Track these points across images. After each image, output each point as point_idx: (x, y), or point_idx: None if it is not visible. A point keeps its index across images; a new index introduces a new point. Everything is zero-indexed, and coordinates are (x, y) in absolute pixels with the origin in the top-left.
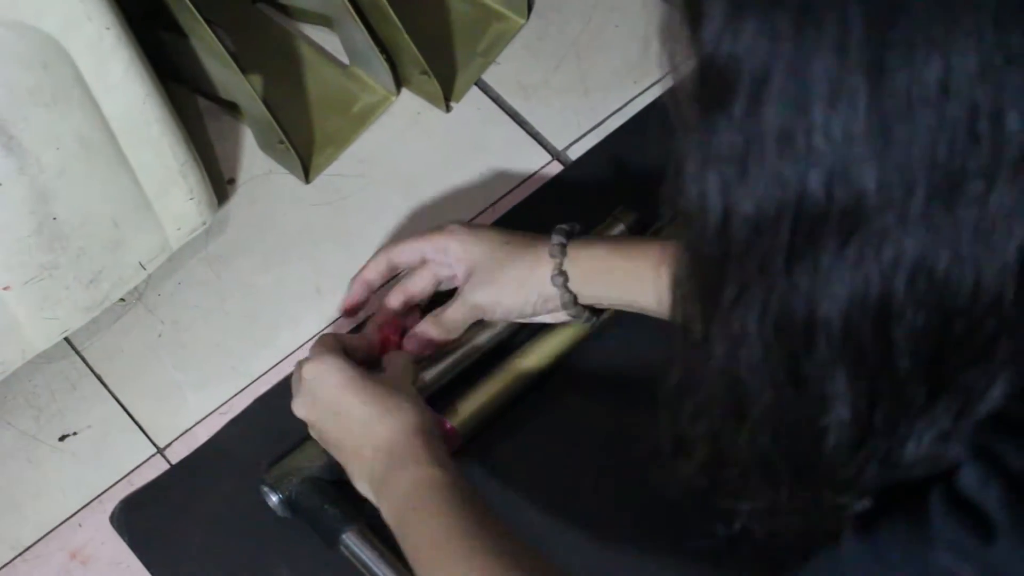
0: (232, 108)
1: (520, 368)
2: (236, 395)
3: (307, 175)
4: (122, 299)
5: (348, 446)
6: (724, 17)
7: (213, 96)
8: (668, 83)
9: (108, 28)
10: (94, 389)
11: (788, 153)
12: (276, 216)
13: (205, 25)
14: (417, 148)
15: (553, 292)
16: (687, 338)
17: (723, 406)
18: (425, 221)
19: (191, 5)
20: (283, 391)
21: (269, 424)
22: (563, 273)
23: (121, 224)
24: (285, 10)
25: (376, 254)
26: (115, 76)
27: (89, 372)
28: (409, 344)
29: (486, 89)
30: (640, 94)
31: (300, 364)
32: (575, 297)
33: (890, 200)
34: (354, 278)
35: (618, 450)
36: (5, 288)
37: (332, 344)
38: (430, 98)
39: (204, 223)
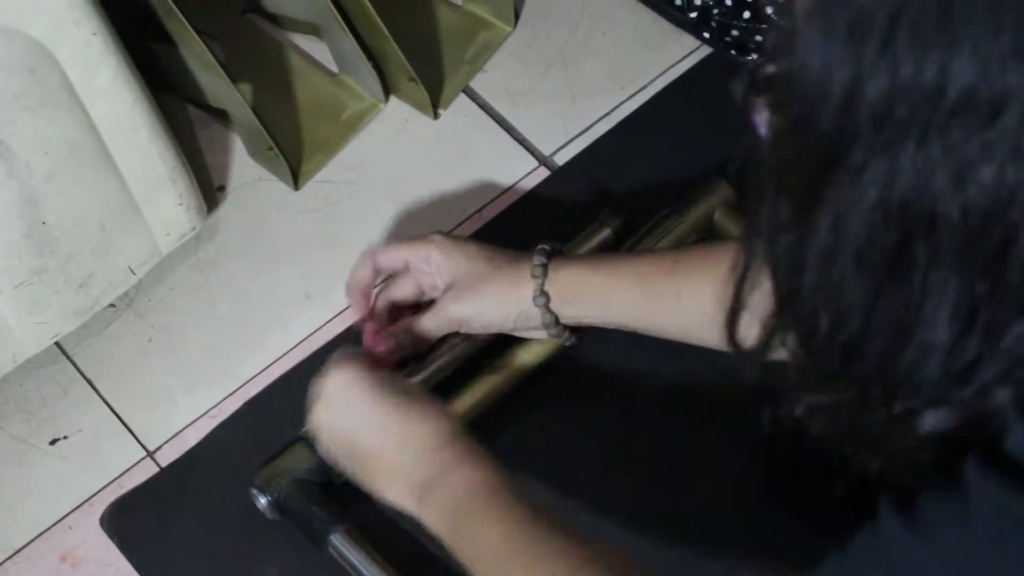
0: (222, 116)
1: (514, 365)
2: (226, 398)
3: (296, 182)
4: (112, 304)
5: (379, 455)
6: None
7: (203, 105)
8: None
9: (95, 34)
10: (85, 394)
11: (932, 37)
12: (266, 222)
13: (194, 34)
14: (405, 155)
15: (534, 312)
16: (773, 220)
17: (817, 289)
18: (414, 227)
19: (181, 15)
20: (272, 394)
21: (258, 427)
22: (544, 294)
23: (110, 229)
24: (274, 20)
25: (361, 257)
26: (103, 81)
27: (80, 377)
28: (379, 345)
29: (474, 96)
30: (627, 100)
31: (319, 378)
32: (556, 318)
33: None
34: (346, 283)
35: (623, 442)
36: None
37: (352, 354)
38: (418, 105)
39: (194, 229)
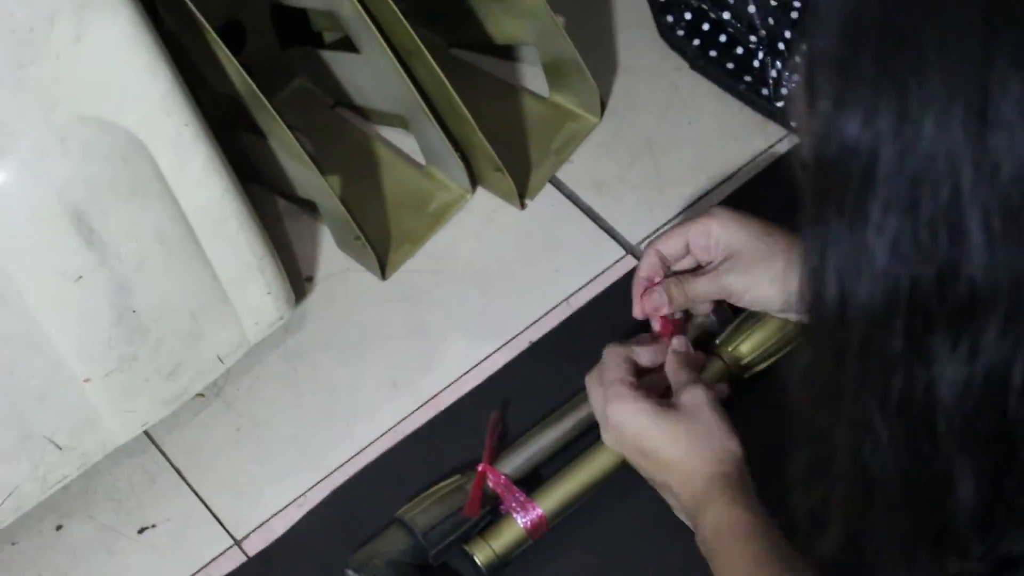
0: (311, 208)
1: (609, 454)
2: (313, 487)
3: (383, 272)
4: (201, 393)
5: (660, 483)
6: (829, 116)
7: (292, 196)
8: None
9: (186, 124)
10: (173, 482)
11: (897, 253)
12: (353, 312)
13: (284, 127)
14: (492, 244)
15: None
16: (815, 423)
17: (853, 487)
18: (501, 315)
19: (271, 108)
20: (359, 483)
21: (345, 516)
22: None
23: (199, 318)
24: (363, 113)
25: (645, 251)
26: (193, 171)
27: (168, 465)
28: (647, 301)
29: (560, 186)
30: (714, 188)
31: (594, 386)
32: None
33: (1000, 296)
34: (633, 282)
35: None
36: (86, 380)
37: (623, 373)
38: (504, 195)
39: (281, 318)
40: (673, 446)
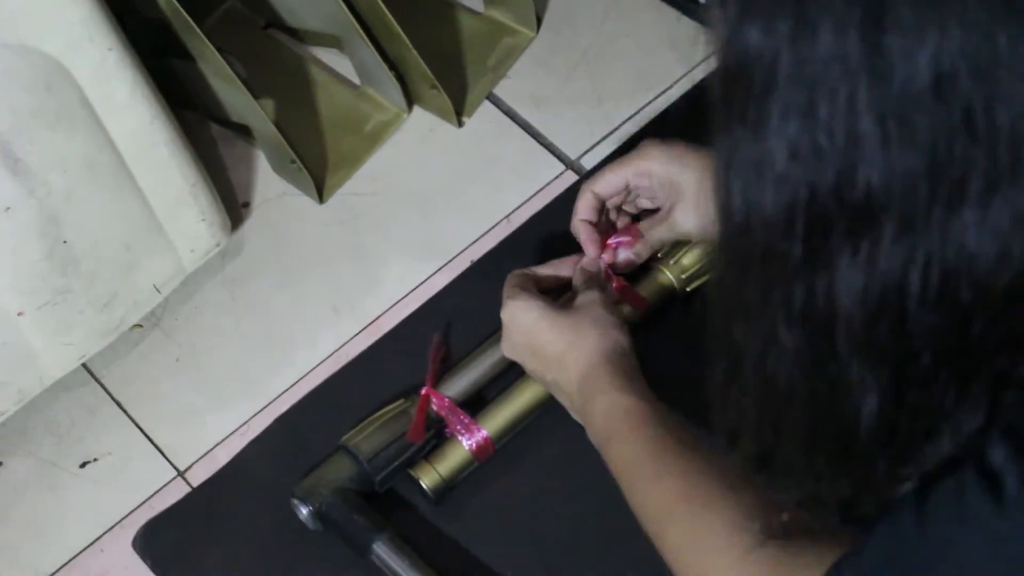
0: (245, 133)
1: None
2: (255, 415)
3: (321, 195)
4: (139, 324)
5: (549, 381)
6: (732, 22)
7: (226, 121)
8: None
9: (111, 49)
10: (113, 415)
11: (796, 157)
12: (291, 237)
13: (214, 50)
14: (431, 164)
15: None
16: (728, 336)
17: (763, 400)
18: (441, 236)
19: (200, 32)
20: (302, 410)
21: (289, 443)
22: None
23: (133, 247)
24: (295, 34)
25: (582, 190)
26: (120, 97)
27: (108, 398)
28: (606, 254)
29: (498, 103)
30: (653, 100)
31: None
32: None
33: (895, 201)
34: (572, 225)
35: None
36: (19, 314)
37: (521, 282)
38: (442, 114)
39: (218, 245)
40: (559, 339)
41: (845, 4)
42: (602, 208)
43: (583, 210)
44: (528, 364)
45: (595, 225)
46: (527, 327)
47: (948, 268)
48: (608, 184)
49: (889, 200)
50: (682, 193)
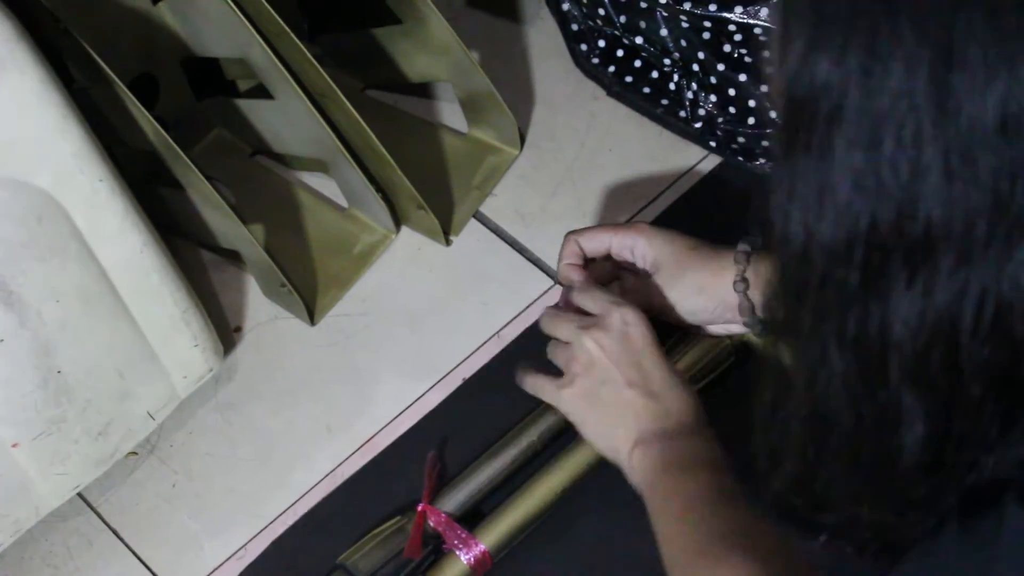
0: (235, 258)
1: (549, 486)
2: (252, 539)
3: (312, 317)
4: (134, 452)
5: (603, 397)
6: (801, 54)
7: (215, 247)
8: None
9: (101, 180)
10: (110, 544)
11: (860, 189)
12: (283, 360)
13: (203, 178)
14: (420, 282)
15: (733, 300)
16: (776, 363)
17: (809, 423)
18: (432, 354)
19: (189, 161)
20: (299, 532)
21: (287, 565)
22: (745, 280)
23: (127, 375)
24: (282, 159)
25: (566, 238)
26: (111, 227)
27: (105, 527)
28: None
29: (484, 220)
30: (638, 212)
31: (605, 306)
32: (753, 306)
33: (955, 235)
34: (559, 270)
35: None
36: (14, 445)
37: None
38: (430, 233)
39: (211, 370)
40: (667, 376)
41: (916, 41)
42: (586, 261)
43: (568, 256)
44: (596, 369)
45: (584, 268)
46: (644, 344)
47: (1002, 303)
48: (591, 240)
49: (948, 234)
50: (661, 267)
